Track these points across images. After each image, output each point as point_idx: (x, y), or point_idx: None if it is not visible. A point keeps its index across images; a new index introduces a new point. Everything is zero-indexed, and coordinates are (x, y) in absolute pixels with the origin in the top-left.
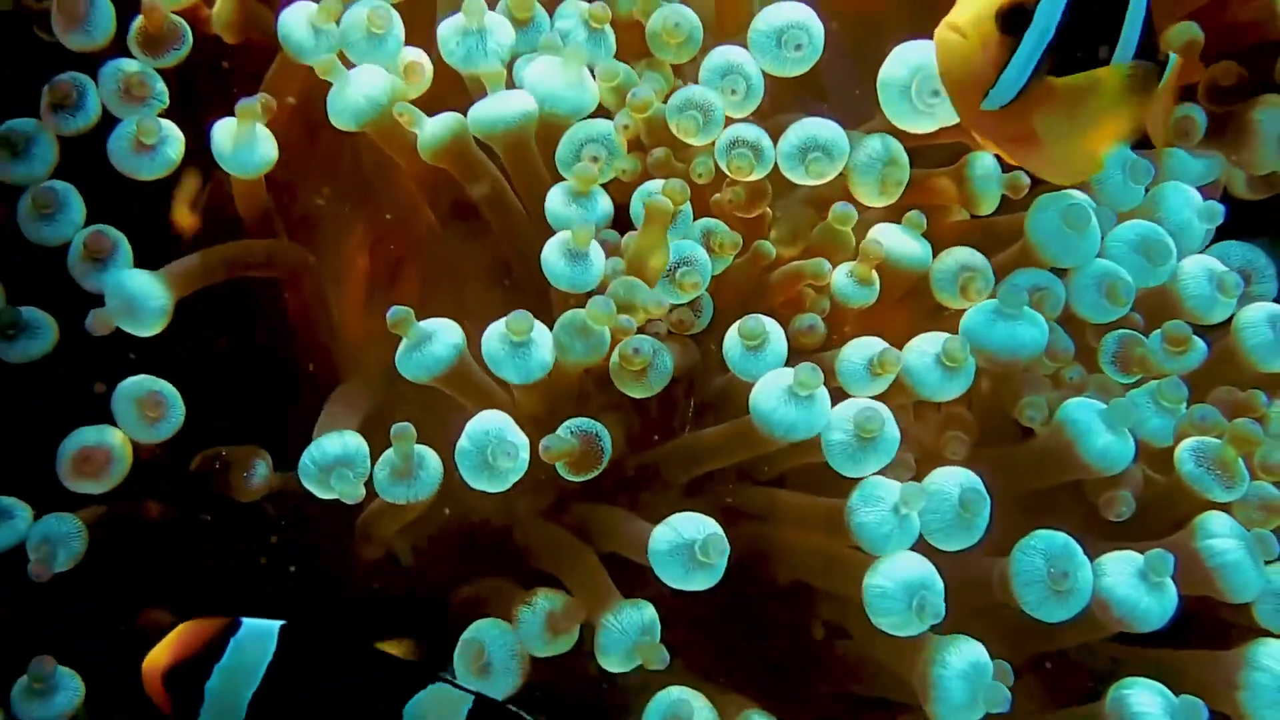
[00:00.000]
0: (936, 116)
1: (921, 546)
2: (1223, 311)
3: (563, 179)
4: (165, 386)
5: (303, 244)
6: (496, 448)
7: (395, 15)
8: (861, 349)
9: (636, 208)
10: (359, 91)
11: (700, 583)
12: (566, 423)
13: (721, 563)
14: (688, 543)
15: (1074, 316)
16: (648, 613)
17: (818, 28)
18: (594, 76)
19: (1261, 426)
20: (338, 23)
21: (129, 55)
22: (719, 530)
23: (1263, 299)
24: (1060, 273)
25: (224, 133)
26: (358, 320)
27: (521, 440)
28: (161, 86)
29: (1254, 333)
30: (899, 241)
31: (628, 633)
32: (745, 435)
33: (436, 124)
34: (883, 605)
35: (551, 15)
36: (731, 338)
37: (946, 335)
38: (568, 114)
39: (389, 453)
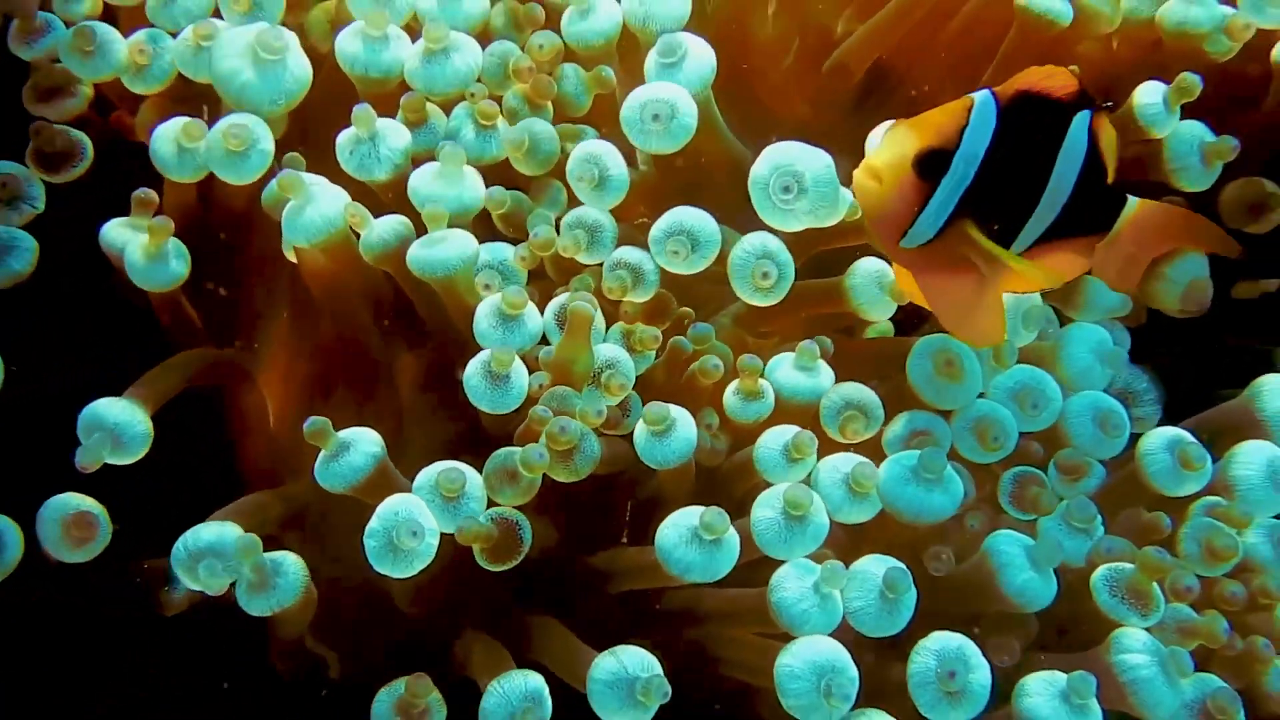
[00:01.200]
0: (798, 215)
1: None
2: (1110, 449)
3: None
4: (92, 505)
5: (246, 347)
6: (403, 528)
7: (260, 131)
8: (778, 436)
9: (548, 321)
10: (317, 212)
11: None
12: (487, 510)
13: (655, 707)
14: (629, 679)
15: None
16: (532, 681)
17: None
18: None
19: (1168, 550)
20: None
21: None
22: (661, 673)
23: (1146, 422)
24: None
25: (135, 249)
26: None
27: (430, 524)
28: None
29: (1154, 460)
30: (789, 376)
31: (509, 697)
32: (654, 566)
33: (383, 228)
34: (791, 686)
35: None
36: (639, 425)
37: (859, 459)
38: (452, 214)
39: (243, 565)
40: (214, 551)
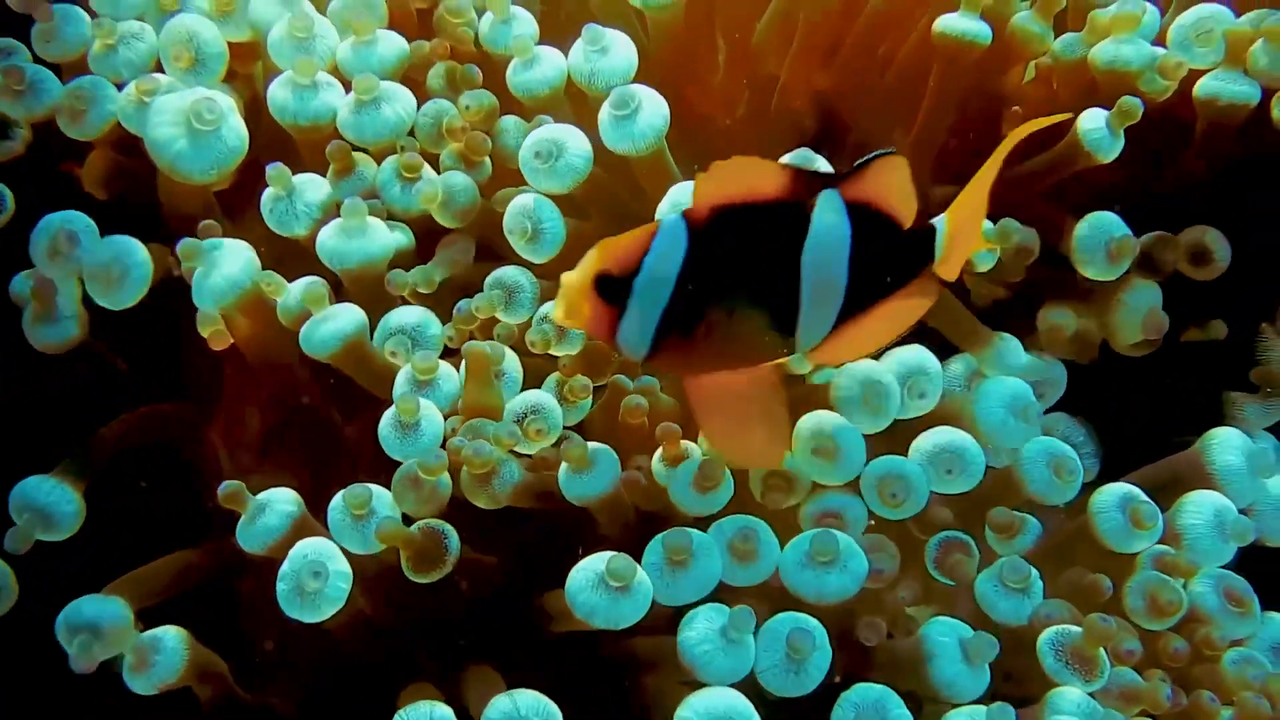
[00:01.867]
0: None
1: None
2: (1063, 495)
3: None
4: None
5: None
6: (306, 569)
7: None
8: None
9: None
10: (220, 276)
11: None
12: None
13: None
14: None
15: None
16: (439, 711)
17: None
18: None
19: (1113, 603)
20: None
21: None
22: (557, 715)
23: (1086, 474)
24: None
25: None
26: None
27: (337, 566)
28: None
29: (1106, 518)
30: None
31: None
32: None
33: (298, 292)
34: None
35: None
36: (563, 464)
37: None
38: (359, 267)
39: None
40: (92, 628)
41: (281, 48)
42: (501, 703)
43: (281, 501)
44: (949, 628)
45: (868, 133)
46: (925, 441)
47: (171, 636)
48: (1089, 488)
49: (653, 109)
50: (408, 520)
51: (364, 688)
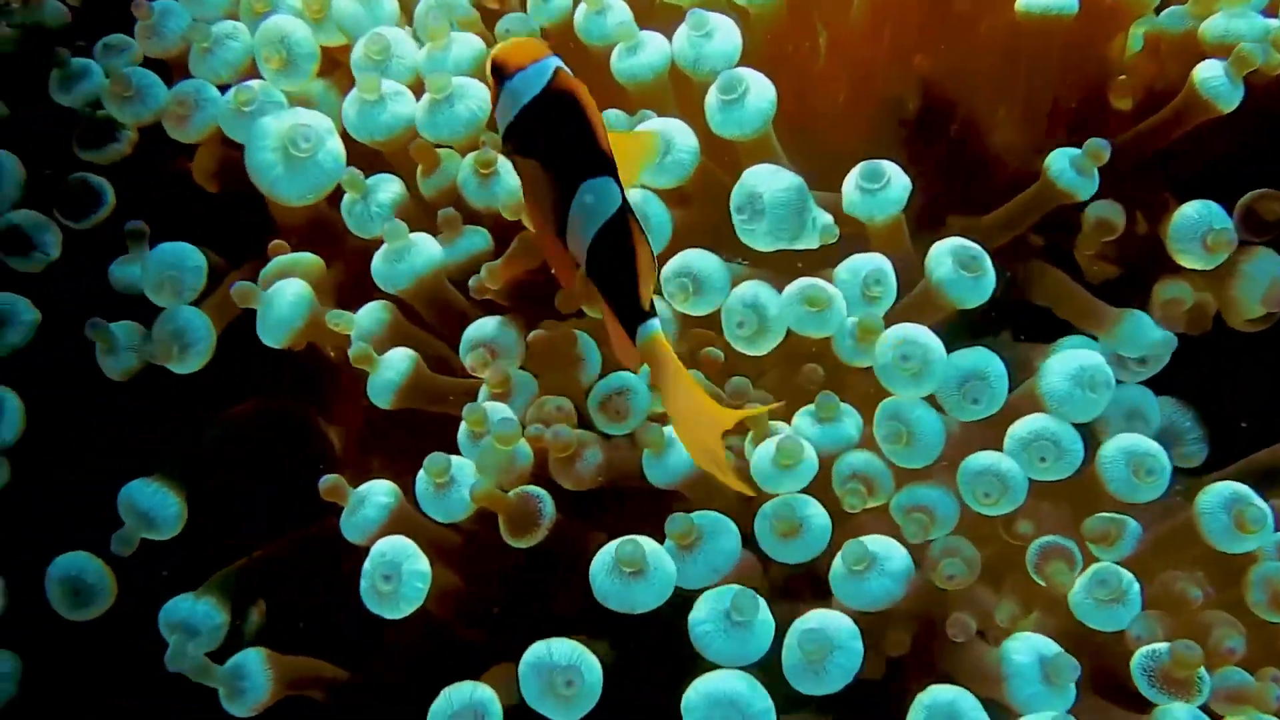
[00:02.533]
0: (760, 237)
1: None
2: (1147, 494)
3: None
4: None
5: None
6: (378, 571)
7: None
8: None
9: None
10: (274, 314)
11: (553, 711)
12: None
13: (576, 701)
14: (551, 666)
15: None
16: (481, 692)
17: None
18: None
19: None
20: None
21: None
22: (588, 667)
23: (1192, 459)
24: None
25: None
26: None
27: (416, 567)
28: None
29: (1212, 519)
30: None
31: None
32: None
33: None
34: None
35: None
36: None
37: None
38: (411, 285)
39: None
40: (187, 628)
41: (361, 66)
42: (538, 648)
43: (379, 494)
44: (1029, 646)
45: (971, 111)
46: (1020, 428)
47: (252, 660)
48: (1195, 473)
49: (760, 92)
50: None
51: (462, 663)
